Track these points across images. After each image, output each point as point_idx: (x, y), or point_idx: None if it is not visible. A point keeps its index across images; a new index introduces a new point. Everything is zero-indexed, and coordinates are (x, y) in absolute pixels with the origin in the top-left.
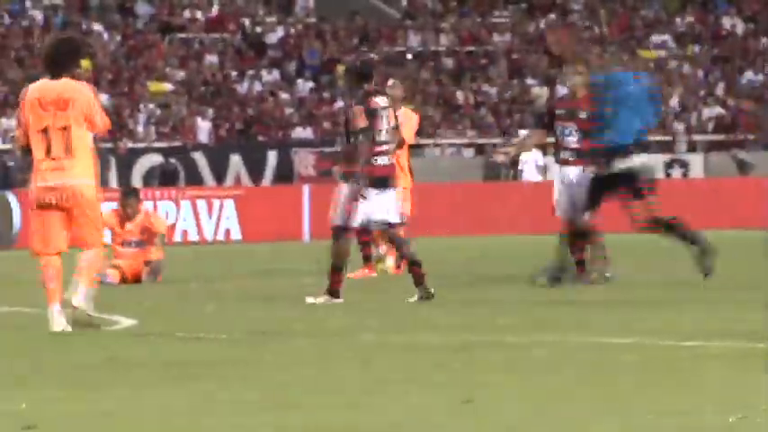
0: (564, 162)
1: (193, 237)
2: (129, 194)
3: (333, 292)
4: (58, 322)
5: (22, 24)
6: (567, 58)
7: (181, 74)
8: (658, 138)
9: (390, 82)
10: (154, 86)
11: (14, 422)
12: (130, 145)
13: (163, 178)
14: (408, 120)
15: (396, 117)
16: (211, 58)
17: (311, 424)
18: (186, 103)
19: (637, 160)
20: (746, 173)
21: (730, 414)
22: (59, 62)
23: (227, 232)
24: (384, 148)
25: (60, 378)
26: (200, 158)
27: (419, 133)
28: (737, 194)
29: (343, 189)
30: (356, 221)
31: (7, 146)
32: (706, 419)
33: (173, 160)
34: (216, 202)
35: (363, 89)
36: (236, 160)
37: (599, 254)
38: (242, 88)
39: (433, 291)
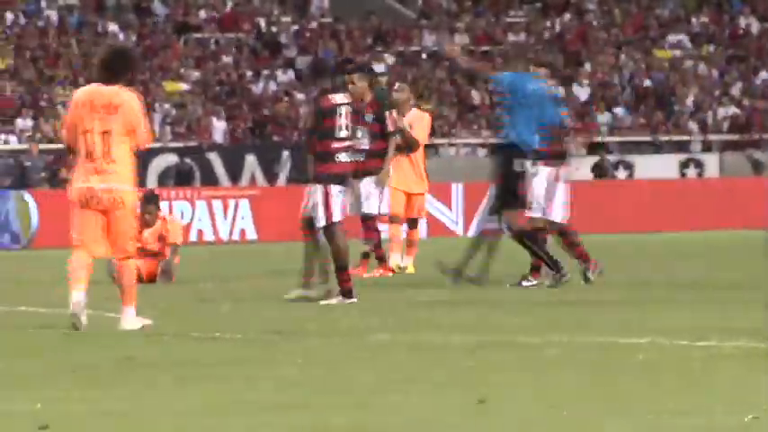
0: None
1: (209, 237)
2: (149, 200)
3: (345, 292)
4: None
5: (37, 24)
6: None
7: (196, 74)
8: (674, 138)
9: (396, 85)
10: (169, 86)
11: (30, 422)
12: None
13: (178, 178)
14: (419, 121)
15: (385, 116)
16: (227, 59)
17: (320, 424)
18: (201, 103)
19: (533, 169)
20: (761, 173)
21: (743, 414)
22: (113, 70)
23: (243, 232)
24: (345, 144)
25: (75, 378)
26: (215, 158)
27: (433, 133)
28: (752, 194)
29: (314, 190)
30: (338, 216)
31: (24, 146)
32: (718, 419)
33: (188, 160)
34: (231, 202)
35: (320, 88)
36: (251, 160)
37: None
38: (257, 88)
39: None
